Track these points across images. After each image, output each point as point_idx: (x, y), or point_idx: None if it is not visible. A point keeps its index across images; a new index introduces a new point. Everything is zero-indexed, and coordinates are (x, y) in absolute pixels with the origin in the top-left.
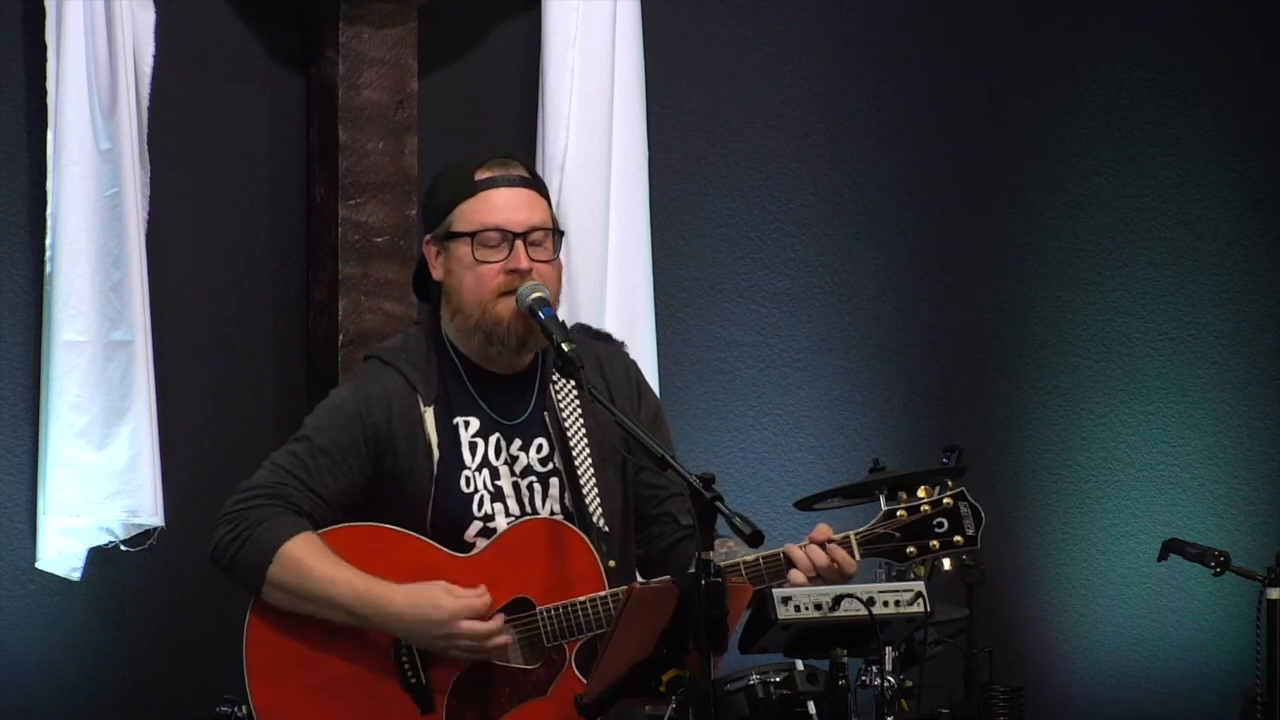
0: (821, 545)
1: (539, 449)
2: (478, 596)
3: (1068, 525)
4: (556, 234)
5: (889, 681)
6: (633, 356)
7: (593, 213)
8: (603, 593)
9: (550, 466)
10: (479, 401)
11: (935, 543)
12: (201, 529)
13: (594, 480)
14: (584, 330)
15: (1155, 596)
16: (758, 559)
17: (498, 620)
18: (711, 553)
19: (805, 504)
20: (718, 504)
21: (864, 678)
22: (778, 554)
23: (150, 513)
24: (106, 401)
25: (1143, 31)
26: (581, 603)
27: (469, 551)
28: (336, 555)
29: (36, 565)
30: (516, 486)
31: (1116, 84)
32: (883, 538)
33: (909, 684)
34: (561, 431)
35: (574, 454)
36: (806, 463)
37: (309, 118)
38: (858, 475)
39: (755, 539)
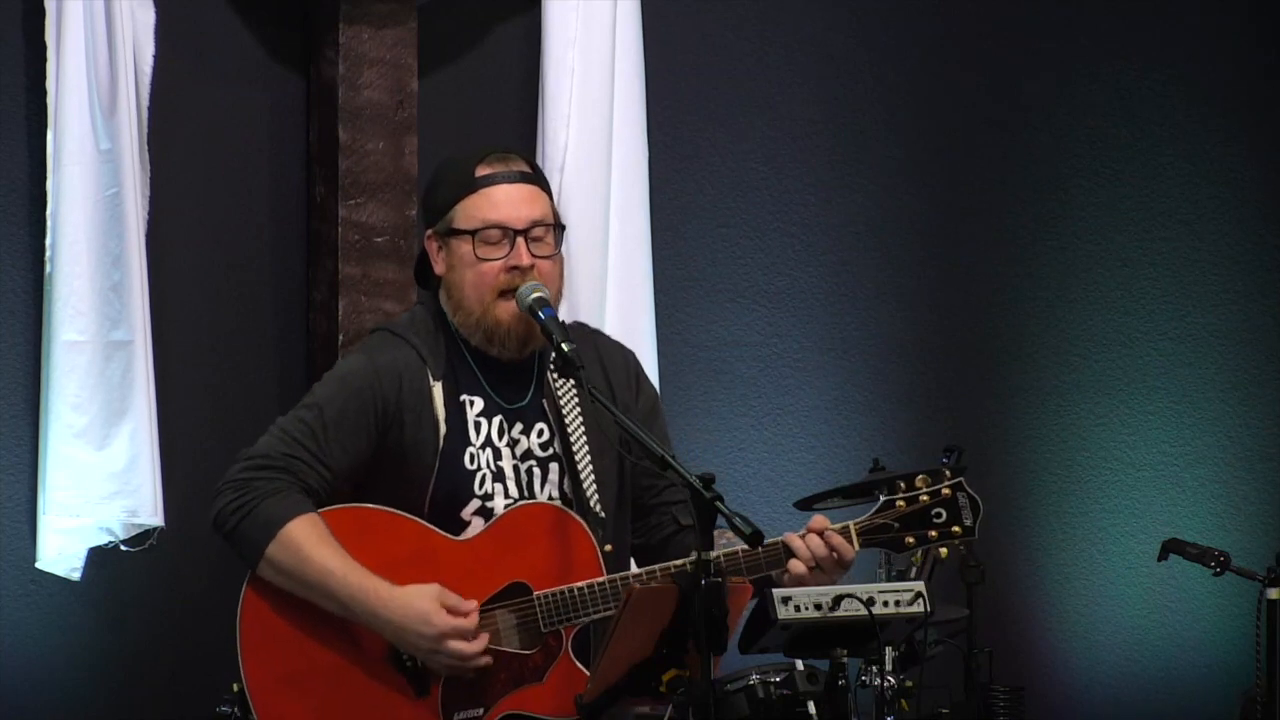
0: (820, 534)
1: (540, 434)
2: (467, 615)
3: (1068, 525)
4: (558, 229)
5: (889, 681)
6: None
7: (593, 213)
8: (600, 578)
9: (551, 452)
10: (483, 383)
11: (933, 532)
12: (201, 529)
13: (591, 467)
14: (582, 326)
15: (1155, 596)
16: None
17: (482, 640)
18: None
19: (805, 504)
20: (718, 504)
21: (864, 678)
22: (777, 543)
23: (150, 513)
24: (106, 401)
25: (1144, 33)
26: (579, 588)
27: (463, 529)
28: (337, 543)
29: (36, 565)
30: (517, 469)
31: (1117, 84)
32: (881, 528)
33: (909, 684)
34: (560, 418)
35: (572, 440)
36: (806, 463)
37: (309, 118)
38: (858, 475)
39: (755, 539)
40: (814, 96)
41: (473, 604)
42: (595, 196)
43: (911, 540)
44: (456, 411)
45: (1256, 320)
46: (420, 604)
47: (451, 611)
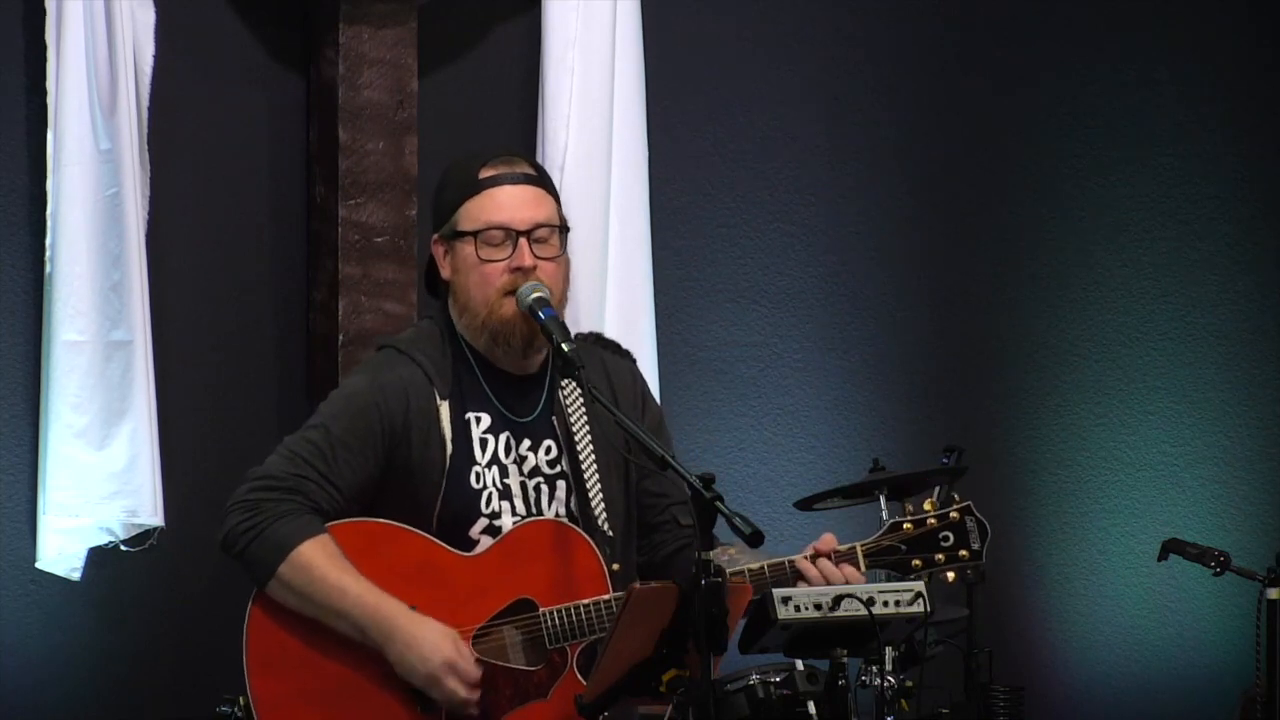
0: (828, 557)
1: (548, 450)
2: (475, 668)
3: (1068, 525)
4: (562, 230)
5: (889, 681)
6: (634, 357)
7: (593, 213)
8: (606, 595)
9: (558, 469)
10: (491, 398)
11: (940, 556)
12: (201, 529)
13: (599, 484)
14: (596, 339)
15: (1155, 596)
16: (763, 568)
17: (475, 692)
18: (711, 553)
19: (805, 504)
20: (718, 504)
21: (864, 678)
22: (783, 563)
23: (150, 513)
24: (106, 401)
25: (1143, 33)
26: (585, 605)
27: (472, 549)
28: (348, 563)
29: (36, 565)
30: (524, 486)
31: (1116, 84)
32: (888, 550)
33: (909, 684)
34: (569, 435)
35: (580, 458)
36: (806, 463)
37: (309, 118)
38: (858, 475)
39: (755, 539)
40: (814, 97)
41: (478, 671)
42: (595, 197)
43: (918, 564)
44: (462, 429)
45: (1256, 320)
46: (432, 634)
47: (459, 661)
